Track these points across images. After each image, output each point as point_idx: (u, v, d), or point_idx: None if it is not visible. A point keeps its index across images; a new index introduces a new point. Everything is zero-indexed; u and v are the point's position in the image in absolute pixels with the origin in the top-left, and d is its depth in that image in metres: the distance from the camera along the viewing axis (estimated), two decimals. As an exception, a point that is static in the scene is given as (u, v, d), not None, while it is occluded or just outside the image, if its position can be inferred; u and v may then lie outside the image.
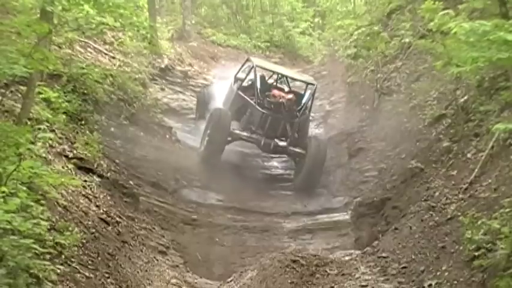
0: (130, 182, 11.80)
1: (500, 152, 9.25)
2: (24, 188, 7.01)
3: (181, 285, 9.80)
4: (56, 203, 8.45)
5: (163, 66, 18.31)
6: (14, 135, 6.89)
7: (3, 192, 6.39)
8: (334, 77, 19.20)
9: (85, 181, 10.07)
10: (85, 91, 12.34)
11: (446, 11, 10.12)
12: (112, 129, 12.95)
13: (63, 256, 7.58)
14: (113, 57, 15.72)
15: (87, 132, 11.50)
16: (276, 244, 12.24)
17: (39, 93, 10.11)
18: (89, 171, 10.43)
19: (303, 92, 15.49)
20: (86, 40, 14.82)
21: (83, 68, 12.69)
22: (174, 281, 9.79)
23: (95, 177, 10.43)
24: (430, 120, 12.11)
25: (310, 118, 16.03)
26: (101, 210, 9.77)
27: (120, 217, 10.21)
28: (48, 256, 7.12)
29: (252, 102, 14.66)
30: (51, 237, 7.48)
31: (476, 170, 9.39)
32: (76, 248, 7.98)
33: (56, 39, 12.53)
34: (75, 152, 10.40)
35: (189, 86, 18.71)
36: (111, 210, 10.10)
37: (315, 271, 9.51)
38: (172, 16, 25.56)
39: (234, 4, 27.80)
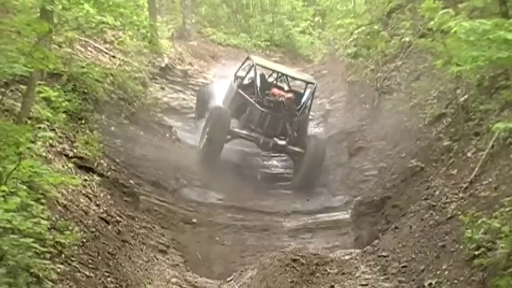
0: (131, 181, 11.81)
1: (501, 151, 9.25)
2: (24, 187, 7.01)
3: (181, 284, 9.80)
4: (56, 202, 8.45)
5: (163, 65, 18.30)
6: (14, 134, 6.89)
7: (4, 191, 6.40)
8: (334, 76, 19.19)
9: (85, 180, 10.07)
10: (85, 90, 12.34)
11: (446, 10, 10.11)
12: (112, 128, 12.96)
13: (63, 255, 7.58)
14: (113, 56, 15.72)
15: (87, 131, 11.49)
16: (276, 243, 12.25)
17: (39, 92, 10.10)
18: (89, 170, 10.43)
19: (302, 91, 15.49)
20: (86, 39, 14.81)
21: (83, 67, 12.69)
22: (174, 280, 9.79)
23: (95, 176, 10.42)
24: (430, 119, 12.11)
25: (310, 117, 16.04)
26: (101, 209, 9.77)
27: (120, 216, 10.21)
28: (48, 255, 7.12)
29: (251, 100, 14.67)
30: (51, 236, 7.47)
31: (476, 169, 9.38)
32: (76, 247, 7.98)
33: (56, 38, 12.52)
34: (75, 151, 10.40)
35: (189, 85, 18.71)
36: (111, 210, 10.10)
37: (315, 270, 9.52)
38: (173, 15, 25.57)
39: (234, 3, 27.82)
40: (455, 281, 7.81)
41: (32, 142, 7.81)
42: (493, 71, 10.49)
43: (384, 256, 9.39)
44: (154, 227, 11.16)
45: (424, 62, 14.11)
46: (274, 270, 9.42)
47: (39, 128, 9.40)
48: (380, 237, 10.36)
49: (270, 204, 13.68)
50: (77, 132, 11.16)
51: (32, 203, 7.14)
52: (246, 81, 15.36)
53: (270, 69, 15.94)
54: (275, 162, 15.75)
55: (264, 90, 14.88)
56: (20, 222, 6.33)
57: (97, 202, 9.86)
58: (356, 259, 9.80)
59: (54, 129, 10.21)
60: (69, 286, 7.23)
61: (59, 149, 10.02)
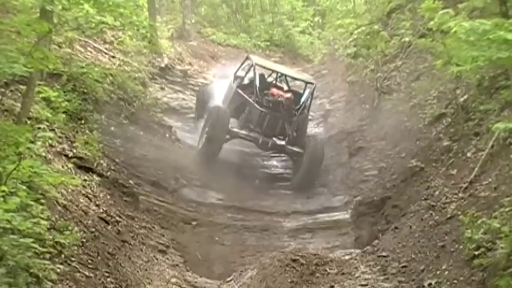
0: (130, 181, 11.80)
1: (500, 151, 9.25)
2: (24, 187, 7.01)
3: (181, 285, 9.80)
4: (55, 202, 8.45)
5: (163, 65, 18.30)
6: (14, 135, 6.89)
7: (3, 191, 6.39)
8: (334, 76, 19.19)
9: (85, 180, 10.06)
10: (85, 90, 12.34)
11: (446, 10, 10.11)
12: (112, 128, 12.96)
13: (63, 255, 7.58)
14: (113, 57, 15.72)
15: (87, 131, 11.49)
16: (276, 243, 12.25)
17: (39, 92, 10.10)
18: (88, 170, 10.43)
19: (302, 91, 15.49)
20: (86, 39, 14.81)
21: (83, 67, 12.69)
22: (174, 280, 9.78)
23: (94, 176, 10.42)
24: (430, 119, 12.10)
25: (310, 117, 16.05)
26: (101, 210, 9.77)
27: (120, 216, 10.21)
28: (48, 255, 7.11)
29: (250, 100, 14.67)
30: (51, 237, 7.47)
31: (476, 169, 9.38)
32: (76, 247, 7.98)
33: (56, 39, 12.52)
34: (75, 151, 10.40)
35: (189, 85, 18.70)
36: (111, 210, 10.10)
37: (314, 270, 9.51)
38: (172, 15, 25.56)
39: (234, 3, 27.81)
40: (455, 281, 7.81)
41: (32, 142, 7.81)
42: (493, 71, 10.49)
43: (384, 256, 9.39)
44: (154, 227, 11.15)
45: (424, 62, 14.11)
46: (274, 270, 9.42)
47: (39, 128, 9.40)
48: (380, 237, 10.36)
49: (270, 204, 13.68)
50: (77, 132, 11.16)
51: (32, 203, 7.13)
52: (245, 81, 15.37)
53: (270, 69, 15.93)
54: (275, 163, 15.74)
55: (263, 90, 14.88)
56: (20, 223, 6.33)
57: (97, 202, 9.85)
58: (356, 259, 9.80)
59: (53, 130, 10.21)
60: (69, 286, 7.23)
61: (58, 149, 10.01)
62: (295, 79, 16.27)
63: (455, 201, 9.30)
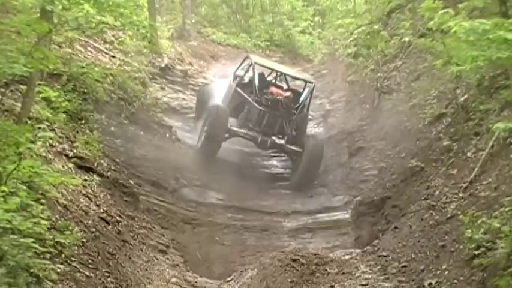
0: (131, 181, 11.80)
1: (501, 151, 9.25)
2: (24, 187, 7.01)
3: (181, 284, 9.80)
4: (56, 202, 8.45)
5: (163, 65, 18.29)
6: (14, 135, 6.89)
7: (3, 191, 6.39)
8: (334, 75, 19.19)
9: (85, 180, 10.06)
10: (85, 90, 12.34)
11: (446, 10, 10.11)
12: (112, 128, 12.96)
13: (63, 255, 7.58)
14: (113, 57, 15.72)
15: (87, 131, 11.49)
16: (276, 243, 12.25)
17: (39, 92, 10.10)
18: (89, 170, 10.43)
19: (301, 90, 15.50)
20: (86, 39, 14.81)
21: (83, 67, 12.69)
22: (174, 280, 9.78)
23: (95, 176, 10.42)
24: (430, 119, 12.11)
25: (310, 117, 16.05)
26: (101, 210, 9.77)
27: (120, 216, 10.21)
28: (48, 255, 7.11)
29: (249, 99, 14.68)
30: (51, 237, 7.47)
31: (476, 169, 9.39)
32: (76, 247, 7.98)
33: (56, 39, 12.52)
34: (75, 151, 10.40)
35: (189, 85, 18.70)
36: (111, 210, 10.10)
37: (315, 270, 9.52)
38: (172, 15, 25.56)
39: (234, 3, 27.80)
40: (455, 281, 7.81)
41: (32, 142, 7.81)
42: (493, 71, 10.49)
43: (384, 256, 9.39)
44: (154, 227, 11.15)
45: (424, 62, 14.11)
46: (274, 270, 9.43)
47: (39, 128, 9.40)
48: (380, 237, 10.36)
49: (270, 204, 13.68)
50: (77, 132, 11.16)
51: (32, 203, 7.13)
52: (244, 80, 15.38)
53: (268, 68, 15.94)
54: (275, 162, 15.75)
55: (263, 89, 14.90)
56: (20, 223, 6.33)
57: (97, 202, 9.86)
58: (356, 259, 9.80)
59: (54, 129, 10.20)
60: (69, 286, 7.23)
61: (58, 149, 10.01)
62: (295, 78, 16.28)
63: (455, 201, 9.30)
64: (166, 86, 17.85)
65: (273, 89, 14.95)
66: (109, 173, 11.07)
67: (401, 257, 9.11)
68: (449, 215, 9.08)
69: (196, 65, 20.75)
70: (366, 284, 8.81)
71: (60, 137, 10.34)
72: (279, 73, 15.98)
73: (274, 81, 15.85)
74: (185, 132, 15.86)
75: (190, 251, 11.50)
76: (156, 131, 14.53)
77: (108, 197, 10.41)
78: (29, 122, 9.08)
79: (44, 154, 9.16)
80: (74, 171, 9.90)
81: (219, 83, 16.73)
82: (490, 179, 8.95)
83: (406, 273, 8.73)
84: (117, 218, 10.06)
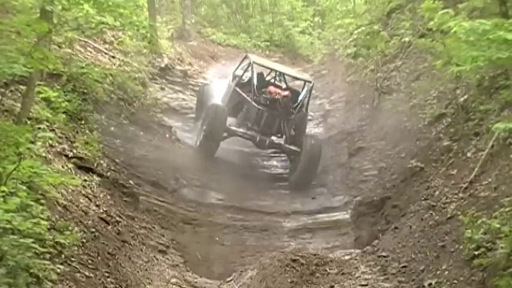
0: (130, 182, 11.80)
1: (500, 151, 9.25)
2: (24, 188, 7.01)
3: (181, 285, 9.80)
4: (55, 203, 8.45)
5: (163, 65, 18.30)
6: (14, 135, 6.89)
7: (3, 191, 6.39)
8: (334, 76, 19.19)
9: (85, 180, 10.06)
10: (85, 90, 12.34)
11: (446, 10, 10.12)
12: (112, 128, 12.95)
13: (63, 255, 7.58)
14: (113, 57, 15.72)
15: (87, 131, 11.49)
16: (275, 243, 12.24)
17: (39, 92, 10.10)
18: (88, 170, 10.42)
19: (300, 90, 15.50)
20: (86, 39, 14.81)
21: (83, 68, 12.68)
22: (174, 280, 9.78)
23: (94, 176, 10.42)
24: (430, 119, 12.11)
25: (310, 117, 16.05)
26: (101, 210, 9.76)
27: (120, 216, 10.21)
28: (48, 255, 7.11)
29: (248, 98, 14.69)
30: (51, 237, 7.47)
31: (476, 169, 9.38)
32: (76, 248, 7.98)
33: (56, 39, 12.52)
34: (75, 151, 10.40)
35: (189, 85, 18.70)
36: (111, 210, 10.10)
37: (314, 270, 9.51)
38: (172, 15, 25.56)
39: (234, 3, 27.82)
40: (455, 281, 7.81)
41: (32, 142, 7.81)
42: (492, 71, 10.49)
43: (384, 256, 9.39)
44: (154, 227, 11.15)
45: (423, 62, 14.11)
46: (274, 271, 9.42)
47: (39, 128, 9.40)
48: (380, 237, 10.36)
49: (270, 205, 13.68)
50: (77, 132, 11.15)
51: (32, 203, 7.13)
52: (243, 80, 15.39)
53: (267, 68, 15.95)
54: (275, 163, 15.75)
55: (261, 88, 14.90)
56: (20, 223, 6.33)
57: (97, 202, 9.85)
58: (356, 259, 9.80)
59: (53, 130, 10.20)
60: (69, 286, 7.23)
61: (58, 150, 10.01)
62: (293, 77, 16.28)
63: (455, 201, 9.30)
64: (166, 86, 17.85)
65: (272, 88, 14.96)
66: (109, 173, 11.07)
67: (401, 257, 9.11)
68: (449, 215, 9.08)
69: (196, 65, 20.76)
70: (366, 285, 8.81)
71: (60, 137, 10.34)
72: (277, 73, 15.98)
73: (273, 80, 15.86)
74: (185, 133, 15.86)
75: (190, 251, 11.49)
76: (155, 131, 14.53)
77: (108, 197, 10.40)
78: (28, 122, 9.07)
79: (43, 154, 9.15)
80: (73, 172, 9.90)
81: (219, 83, 16.74)
82: (490, 179, 8.95)
83: (406, 274, 8.73)
84: (117, 218, 10.06)
